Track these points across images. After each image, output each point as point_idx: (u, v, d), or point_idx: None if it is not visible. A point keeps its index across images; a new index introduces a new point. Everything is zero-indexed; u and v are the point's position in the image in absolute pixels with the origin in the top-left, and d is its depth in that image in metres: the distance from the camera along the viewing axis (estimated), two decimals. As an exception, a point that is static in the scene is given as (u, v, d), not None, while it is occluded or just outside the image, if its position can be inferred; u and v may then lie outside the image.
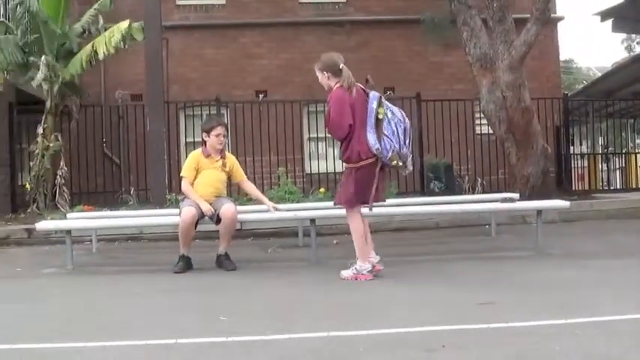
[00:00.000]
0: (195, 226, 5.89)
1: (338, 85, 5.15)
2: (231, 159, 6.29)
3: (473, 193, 11.14)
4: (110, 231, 7.87)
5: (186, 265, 5.84)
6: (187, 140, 11.87)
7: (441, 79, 13.04)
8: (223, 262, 5.89)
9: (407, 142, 5.14)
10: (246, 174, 11.18)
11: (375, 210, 7.05)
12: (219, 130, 6.10)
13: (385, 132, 5.03)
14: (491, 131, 10.51)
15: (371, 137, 5.02)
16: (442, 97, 12.16)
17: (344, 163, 5.23)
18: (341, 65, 5.18)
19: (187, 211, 5.75)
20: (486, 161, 12.04)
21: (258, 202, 6.44)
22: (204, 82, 12.70)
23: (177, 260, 5.87)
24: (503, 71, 9.50)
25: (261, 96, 12.60)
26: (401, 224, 8.47)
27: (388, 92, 12.67)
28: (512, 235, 7.67)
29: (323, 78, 5.25)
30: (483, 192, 10.99)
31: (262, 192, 10.36)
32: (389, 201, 8.35)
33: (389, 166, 5.17)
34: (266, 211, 6.30)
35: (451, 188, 11.07)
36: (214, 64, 12.81)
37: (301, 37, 12.91)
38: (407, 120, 5.18)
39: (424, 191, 11.34)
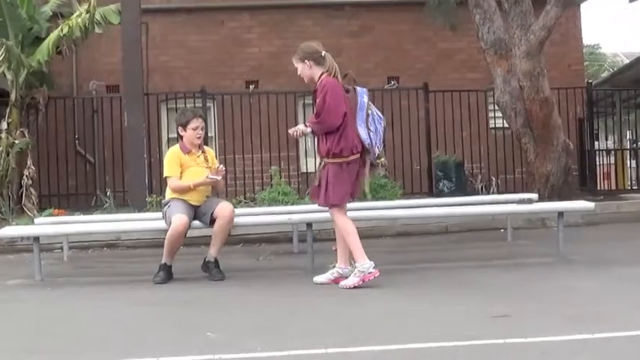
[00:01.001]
0: (184, 235, 5.91)
1: (325, 74, 5.34)
2: (210, 153, 6.36)
3: (487, 193, 11.13)
4: (83, 238, 7.84)
5: (167, 275, 5.85)
6: (170, 136, 11.84)
7: (451, 68, 13.04)
8: (212, 270, 5.89)
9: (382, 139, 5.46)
10: (235, 173, 11.14)
11: (377, 212, 7.15)
12: (197, 122, 6.12)
13: (370, 127, 5.34)
14: (506, 125, 10.50)
15: (362, 131, 5.30)
16: (452, 88, 12.15)
17: (330, 158, 5.32)
18: (323, 52, 5.38)
19: (179, 219, 5.75)
20: (501, 158, 12.03)
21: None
22: (189, 71, 12.68)
23: (157, 270, 5.87)
24: (520, 58, 9.50)
25: (251, 87, 12.58)
26: (405, 228, 8.47)
27: (392, 82, 12.70)
28: (531, 240, 7.68)
29: (304, 68, 5.42)
30: (498, 192, 10.97)
31: (253, 193, 10.50)
32: (392, 202, 8.43)
33: (374, 164, 5.46)
34: (258, 214, 6.30)
35: (462, 188, 11.07)
36: (200, 51, 12.79)
37: (297, 22, 12.90)
38: (383, 118, 5.47)
39: (432, 192, 11.34)
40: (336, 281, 5.41)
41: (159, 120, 12.02)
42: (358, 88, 5.38)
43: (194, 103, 11.40)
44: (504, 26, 9.71)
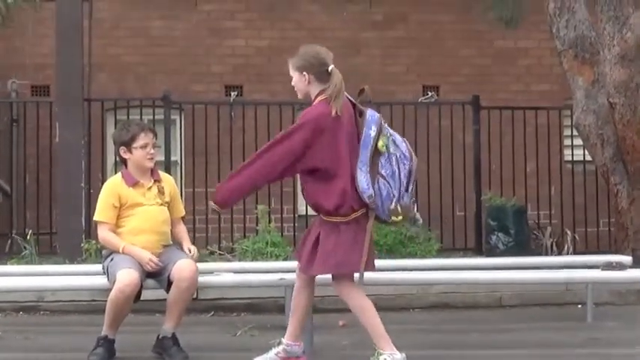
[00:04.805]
0: (137, 298, 5.92)
1: (322, 96, 5.40)
2: (169, 181, 6.41)
3: (558, 253, 11.09)
4: (-9, 297, 7.83)
5: (107, 352, 5.86)
6: (119, 159, 11.84)
7: (512, 76, 13.07)
8: (169, 349, 5.90)
9: (410, 187, 5.38)
10: (207, 214, 11.07)
11: (404, 275, 7.14)
12: (146, 137, 6.21)
13: (382, 171, 5.29)
14: (589, 157, 10.48)
15: (362, 178, 5.26)
16: (513, 103, 12.16)
17: (325, 216, 5.41)
18: (330, 67, 5.44)
19: (127, 277, 5.74)
20: (580, 204, 11.99)
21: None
22: (147, 70, 12.73)
23: (94, 344, 5.87)
24: (612, 64, 9.50)
25: (233, 94, 12.61)
26: (443, 298, 8.46)
27: (430, 93, 12.72)
28: (622, 322, 7.63)
29: (301, 81, 5.52)
30: (575, 252, 10.93)
31: (232, 242, 10.48)
32: (425, 262, 8.38)
33: (386, 223, 5.48)
34: (237, 272, 6.30)
35: (524, 245, 11.02)
36: (163, 43, 12.85)
37: (298, 6, 12.98)
38: (413, 156, 5.42)
39: (481, 248, 11.30)
40: None
41: (103, 135, 12.01)
42: (367, 114, 5.38)
43: (153, 113, 11.42)
44: (590, 19, 9.74)
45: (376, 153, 5.28)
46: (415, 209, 5.56)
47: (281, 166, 5.34)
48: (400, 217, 5.33)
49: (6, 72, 12.44)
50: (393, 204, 5.27)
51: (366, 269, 5.40)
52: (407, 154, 5.35)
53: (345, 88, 5.47)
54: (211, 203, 5.46)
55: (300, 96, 5.60)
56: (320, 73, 5.43)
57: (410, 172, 5.33)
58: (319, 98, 5.41)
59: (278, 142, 5.35)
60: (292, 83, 5.59)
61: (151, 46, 12.84)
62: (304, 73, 5.46)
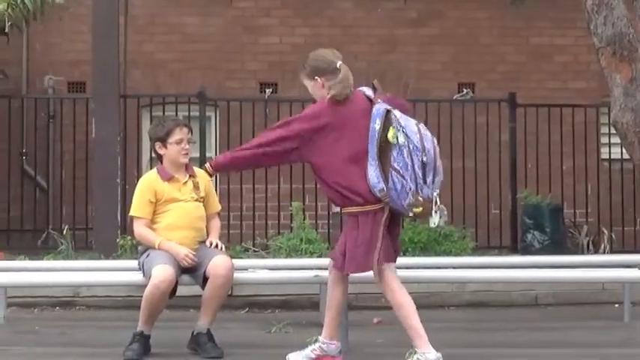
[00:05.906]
0: (172, 294, 5.95)
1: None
2: (203, 177, 6.37)
3: (595, 252, 11.03)
4: (28, 291, 7.89)
5: (142, 347, 5.89)
6: (154, 155, 11.90)
7: (549, 73, 12.99)
8: (204, 345, 5.93)
9: (429, 179, 5.31)
10: (241, 210, 11.08)
11: (438, 273, 7.14)
12: (180, 133, 6.24)
13: (395, 165, 5.26)
14: (626, 156, 10.40)
15: (372, 172, 5.29)
16: (549, 101, 12.08)
17: (343, 208, 5.56)
18: (338, 63, 5.49)
19: (163, 273, 5.78)
20: (617, 203, 11.91)
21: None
22: (182, 66, 12.78)
23: (130, 340, 5.90)
24: (651, 62, 9.44)
25: (268, 91, 12.63)
26: (478, 296, 8.47)
27: (465, 91, 12.69)
28: (659, 322, 7.60)
29: (316, 87, 5.58)
30: (611, 251, 10.86)
31: (266, 239, 10.51)
32: (460, 260, 8.37)
33: (406, 216, 5.55)
34: (271, 269, 6.32)
35: (559, 243, 10.97)
36: (198, 39, 12.90)
37: (333, 3, 12.97)
38: (429, 146, 5.34)
39: (517, 246, 11.26)
40: None
41: (139, 131, 12.09)
42: (374, 108, 5.40)
43: (189, 110, 11.47)
44: (629, 16, 9.66)
45: (387, 146, 5.29)
46: (438, 202, 5.43)
47: (278, 148, 5.48)
48: (421, 209, 5.27)
49: (43, 68, 12.54)
50: (409, 197, 5.24)
51: (386, 261, 5.40)
52: (419, 145, 5.28)
53: (382, 84, 5.49)
54: (207, 165, 5.87)
55: (319, 101, 5.62)
56: (331, 72, 5.47)
57: (424, 163, 5.27)
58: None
59: (276, 127, 5.58)
60: (311, 91, 5.65)
61: (185, 43, 12.90)
62: (316, 77, 5.52)
